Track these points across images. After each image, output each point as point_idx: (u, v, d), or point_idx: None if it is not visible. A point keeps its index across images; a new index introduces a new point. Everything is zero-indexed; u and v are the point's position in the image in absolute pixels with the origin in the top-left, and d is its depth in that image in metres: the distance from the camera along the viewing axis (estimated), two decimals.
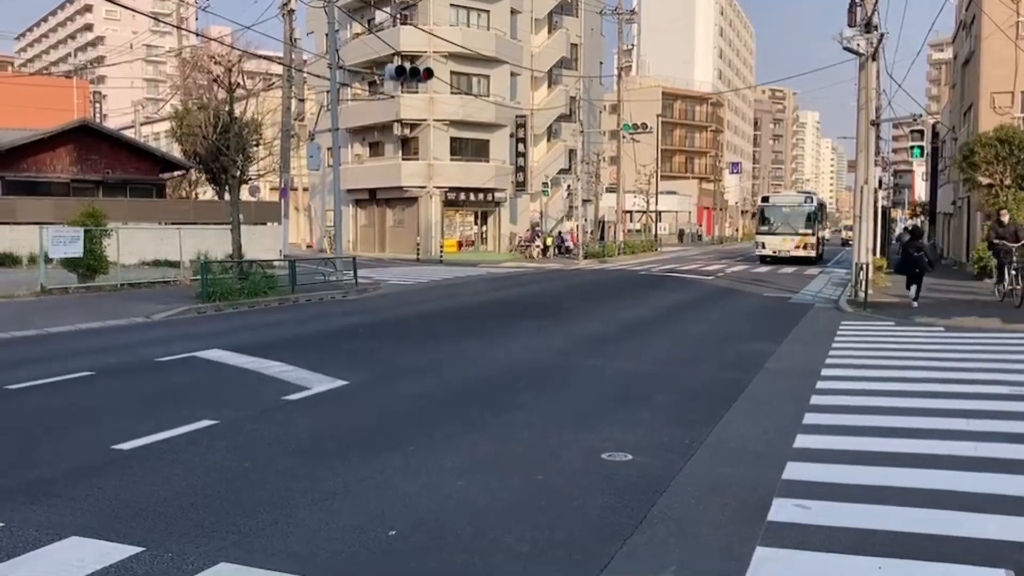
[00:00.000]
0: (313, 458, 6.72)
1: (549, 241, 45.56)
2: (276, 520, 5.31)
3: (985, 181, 28.22)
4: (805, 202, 39.39)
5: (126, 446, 6.94)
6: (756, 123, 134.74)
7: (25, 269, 26.05)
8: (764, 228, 39.18)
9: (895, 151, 77.02)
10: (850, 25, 20.85)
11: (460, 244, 46.57)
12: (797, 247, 37.74)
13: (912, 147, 27.76)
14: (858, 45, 20.71)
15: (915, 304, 18.78)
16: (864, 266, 20.00)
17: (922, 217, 54.64)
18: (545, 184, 45.25)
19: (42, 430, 7.69)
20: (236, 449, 6.96)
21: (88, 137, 34.63)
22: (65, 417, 8.22)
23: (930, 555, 4.77)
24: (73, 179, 33.91)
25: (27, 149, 32.73)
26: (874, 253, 23.87)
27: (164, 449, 6.93)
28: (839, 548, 4.87)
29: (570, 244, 44.96)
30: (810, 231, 38.32)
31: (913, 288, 19.44)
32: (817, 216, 39.29)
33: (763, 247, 38.85)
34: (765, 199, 42.51)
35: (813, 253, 37.89)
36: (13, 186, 32.07)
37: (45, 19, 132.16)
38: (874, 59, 21.84)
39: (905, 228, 33.19)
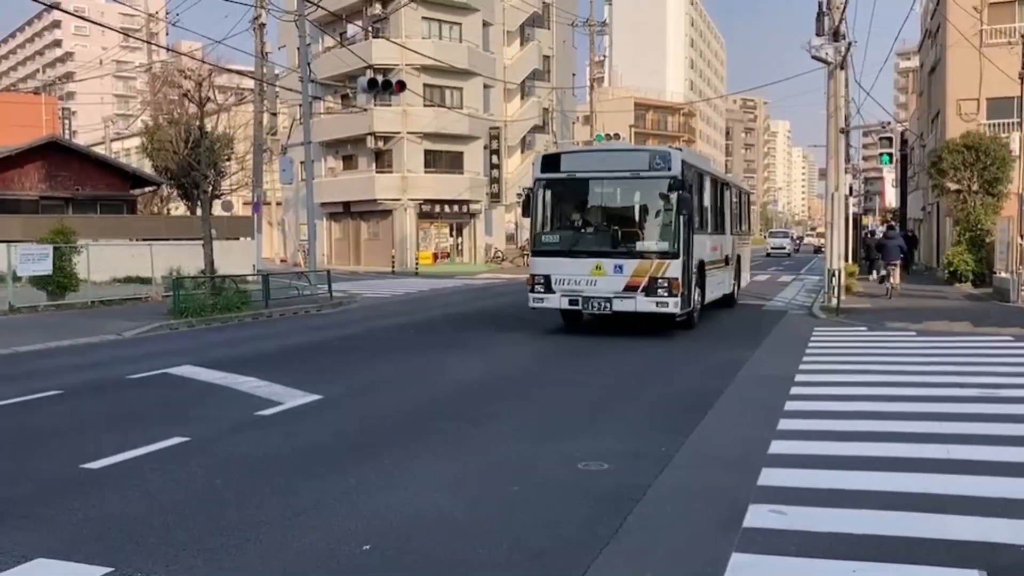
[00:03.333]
0: (286, 474, 6.64)
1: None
2: (248, 538, 5.24)
3: (953, 187, 28.59)
4: (653, 168, 14.71)
5: (95, 465, 6.83)
6: (728, 133, 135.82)
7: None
8: (548, 240, 15.57)
9: (865, 158, 77.91)
10: (818, 34, 21.08)
11: (436, 256, 46.47)
12: (630, 289, 14.64)
13: (881, 154, 28.13)
14: (826, 54, 20.92)
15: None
16: (836, 272, 20.16)
17: (894, 224, 55.18)
18: (520, 195, 45.28)
19: (9, 450, 7.55)
20: (208, 466, 6.87)
21: (57, 154, 34.27)
22: (33, 437, 8.07)
23: (905, 557, 4.79)
24: (42, 196, 33.52)
25: (8, 162, 32.35)
26: (846, 259, 24.05)
27: (134, 467, 6.82)
28: (815, 552, 4.87)
29: None
30: (667, 244, 14.62)
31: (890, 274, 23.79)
32: (686, 206, 14.64)
33: (540, 287, 15.33)
34: (550, 159, 15.96)
35: (672, 303, 14.46)
36: None
37: (13, 35, 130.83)
38: (842, 68, 22.09)
39: (890, 227, 33.80)
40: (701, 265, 16.07)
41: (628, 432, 8.04)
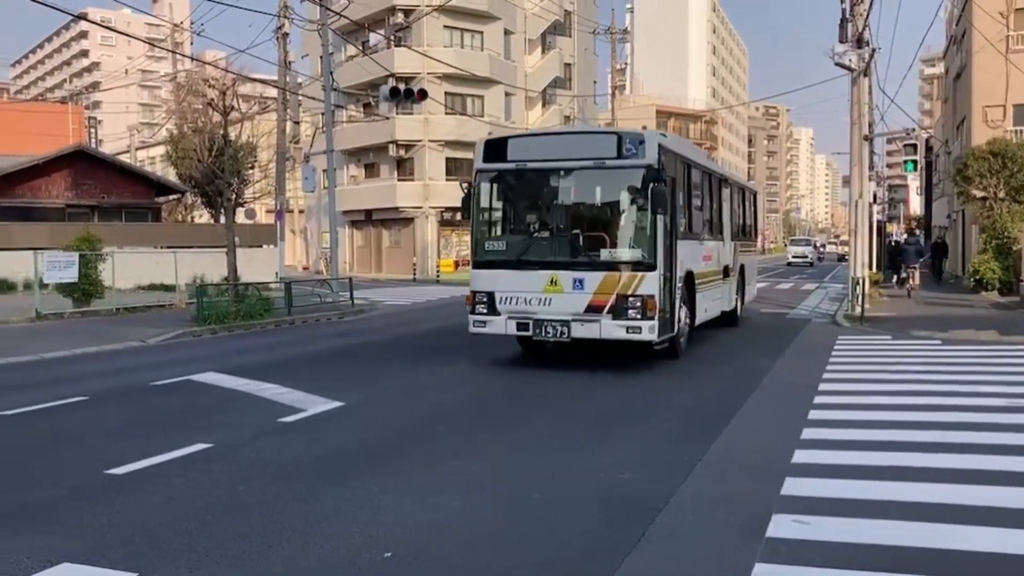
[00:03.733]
0: (308, 480, 6.67)
1: None
2: (270, 544, 5.26)
3: (979, 194, 28.31)
4: (623, 155, 11.65)
5: (120, 471, 6.88)
6: (750, 140, 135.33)
7: (21, 295, 25.97)
8: (492, 248, 12.69)
9: (889, 166, 77.33)
10: (841, 41, 20.96)
11: (457, 264, 46.54)
12: (593, 309, 11.66)
13: (906, 161, 27.86)
14: (850, 60, 20.80)
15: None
16: (860, 280, 20.01)
17: (918, 231, 54.72)
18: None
19: (36, 456, 7.63)
20: (230, 472, 6.91)
21: (83, 162, 34.69)
22: (59, 442, 8.15)
23: (928, 569, 4.73)
24: (68, 204, 33.93)
25: (23, 175, 32.77)
26: (870, 267, 23.88)
27: (158, 473, 6.87)
28: (838, 563, 4.82)
29: None
30: (641, 252, 11.61)
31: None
32: (664, 203, 11.47)
33: (483, 307, 12.40)
34: (495, 145, 12.74)
35: (647, 328, 11.44)
36: (8, 212, 32.05)
37: (41, 46, 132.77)
38: (866, 74, 21.97)
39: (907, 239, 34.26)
40: (689, 278, 13.45)
41: (650, 440, 8.01)
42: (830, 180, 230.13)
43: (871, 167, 29.50)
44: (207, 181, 23.34)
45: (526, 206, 12.89)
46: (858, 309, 19.42)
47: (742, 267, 18.92)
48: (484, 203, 12.78)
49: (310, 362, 13.77)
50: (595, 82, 59.82)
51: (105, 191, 34.87)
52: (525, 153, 12.46)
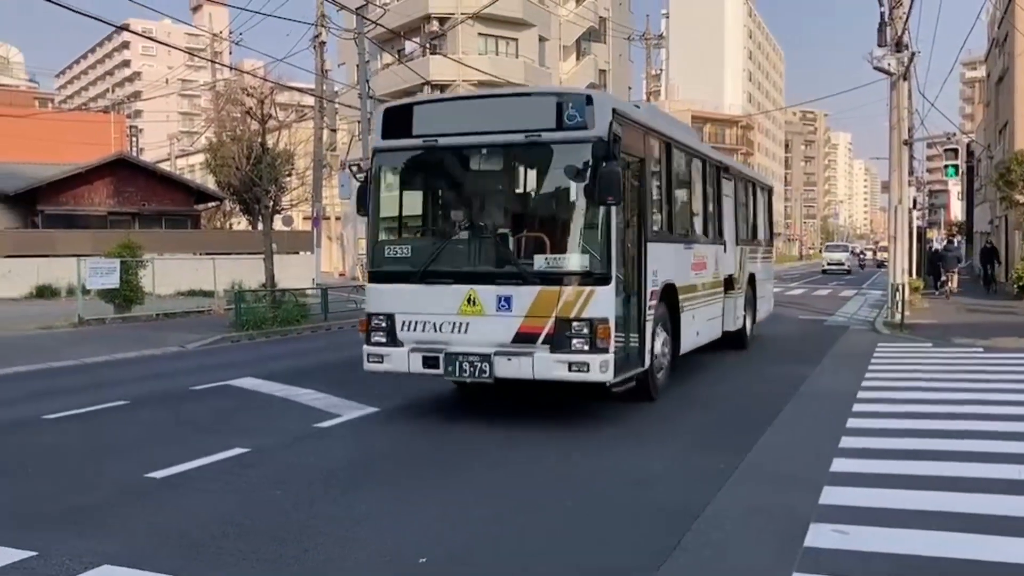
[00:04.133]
0: (343, 485, 6.71)
1: None
2: (306, 548, 5.30)
3: (1022, 199, 27.80)
4: (564, 126, 8.52)
5: (159, 474, 6.98)
6: (787, 145, 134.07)
7: (63, 300, 26.47)
8: (392, 255, 9.51)
9: (929, 171, 76.22)
10: (880, 45, 20.71)
11: None
12: (523, 338, 8.51)
13: (947, 166, 27.41)
14: (889, 64, 20.56)
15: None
16: (900, 287, 19.74)
17: (958, 238, 53.88)
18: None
19: (77, 459, 7.76)
20: (267, 476, 6.97)
21: (125, 170, 35.33)
22: (99, 446, 8.29)
23: None
24: (110, 211, 34.56)
25: (66, 183, 33.45)
26: (910, 274, 23.55)
27: (196, 477, 6.95)
28: (878, 574, 4.75)
29: None
30: (589, 258, 8.41)
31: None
32: (615, 188, 8.16)
33: (381, 335, 9.21)
34: (397, 115, 9.54)
35: (598, 364, 8.24)
36: (52, 219, 32.74)
37: (84, 56, 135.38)
38: (905, 78, 21.70)
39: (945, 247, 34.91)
40: (670, 292, 10.41)
41: (686, 447, 7.96)
42: (869, 185, 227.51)
43: (911, 172, 29.15)
44: (245, 188, 23.69)
45: (438, 197, 9.98)
46: (898, 316, 19.15)
47: (752, 277, 15.85)
48: (384, 193, 9.62)
49: (345, 368, 13.82)
50: (629, 88, 59.73)
51: (146, 198, 35.47)
52: (436, 125, 9.21)
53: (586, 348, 8.23)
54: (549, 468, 7.27)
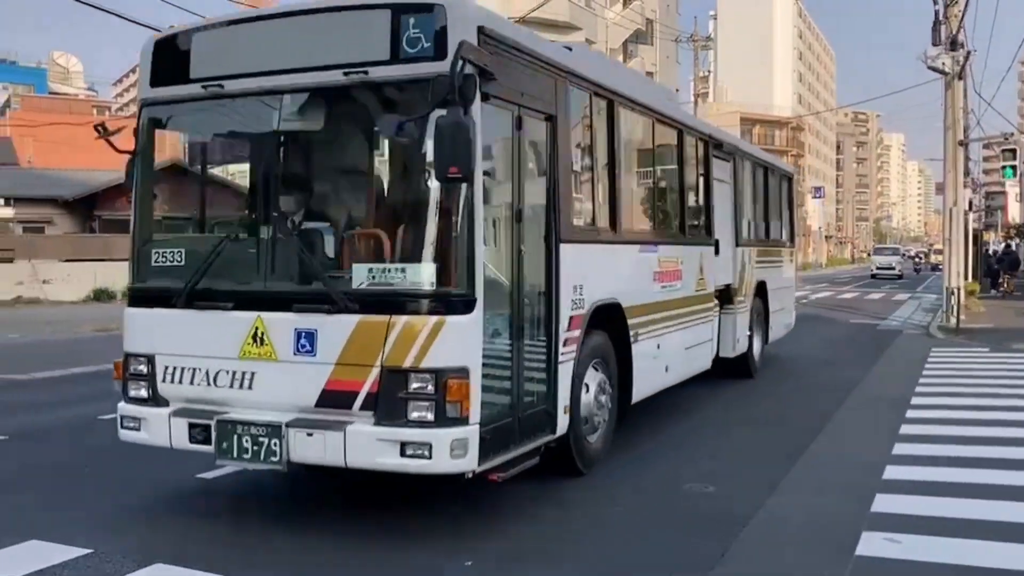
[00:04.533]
0: (390, 488, 6.75)
1: None
2: (355, 550, 5.35)
3: None
4: (400, 56, 5.26)
5: (210, 475, 7.08)
6: (839, 147, 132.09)
7: (119, 303, 27.00)
8: (155, 265, 6.52)
9: (986, 172, 74.47)
10: (934, 44, 20.37)
11: None
12: (331, 400, 5.29)
13: (1004, 167, 26.85)
14: (943, 64, 20.20)
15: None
16: (955, 291, 19.35)
17: (1015, 240, 52.64)
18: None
19: (131, 459, 7.90)
20: (318, 479, 7.03)
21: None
22: (152, 446, 8.43)
23: None
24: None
25: (122, 189, 34.17)
26: (966, 277, 23.06)
27: (247, 479, 7.04)
28: None
29: None
30: (438, 267, 5.15)
31: None
32: (464, 148, 4.85)
33: (139, 386, 6.20)
34: (166, 48, 6.21)
35: (450, 446, 4.97)
36: (109, 224, 33.48)
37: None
38: (960, 78, 21.29)
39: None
40: (611, 315, 7.14)
41: (735, 453, 7.88)
42: (923, 187, 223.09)
43: (966, 173, 28.50)
44: None
45: (226, 174, 7.59)
46: (953, 320, 18.77)
47: (762, 286, 12.56)
48: (152, 166, 6.85)
49: None
50: (677, 90, 59.28)
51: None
52: (223, 63, 5.97)
53: (429, 418, 5.04)
54: (607, 466, 7.24)
